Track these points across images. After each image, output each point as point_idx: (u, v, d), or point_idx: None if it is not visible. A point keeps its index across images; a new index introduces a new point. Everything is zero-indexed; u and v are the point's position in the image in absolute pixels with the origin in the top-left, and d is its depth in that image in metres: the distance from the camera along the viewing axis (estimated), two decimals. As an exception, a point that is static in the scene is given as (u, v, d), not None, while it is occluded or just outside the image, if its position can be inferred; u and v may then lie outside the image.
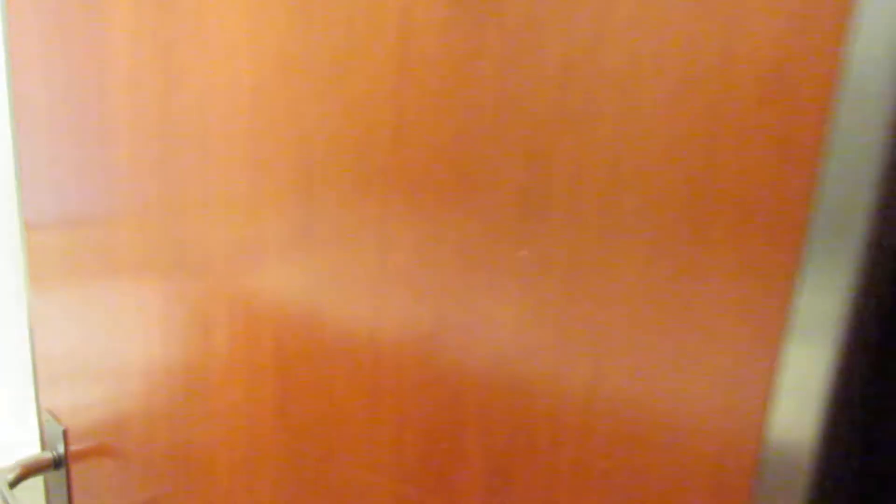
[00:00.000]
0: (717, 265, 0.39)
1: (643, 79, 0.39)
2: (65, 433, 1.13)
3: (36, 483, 1.27)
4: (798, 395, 0.37)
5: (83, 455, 1.10)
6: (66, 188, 0.93)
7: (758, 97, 0.36)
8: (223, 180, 0.65)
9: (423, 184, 0.50)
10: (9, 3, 0.98)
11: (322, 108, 0.54)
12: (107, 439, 1.00)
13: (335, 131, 0.54)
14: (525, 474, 0.48)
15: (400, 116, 0.49)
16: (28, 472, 1.04)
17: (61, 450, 1.14)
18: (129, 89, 0.74)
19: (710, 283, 0.39)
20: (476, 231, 0.48)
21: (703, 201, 0.39)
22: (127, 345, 0.87)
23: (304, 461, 0.63)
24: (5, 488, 0.97)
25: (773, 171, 0.37)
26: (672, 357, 0.41)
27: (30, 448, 1.52)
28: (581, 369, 0.44)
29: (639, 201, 0.41)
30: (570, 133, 0.42)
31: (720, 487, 0.40)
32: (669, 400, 0.41)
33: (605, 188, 0.42)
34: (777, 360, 0.37)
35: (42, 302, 1.10)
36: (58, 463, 1.14)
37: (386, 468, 0.56)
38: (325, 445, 0.61)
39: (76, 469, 1.13)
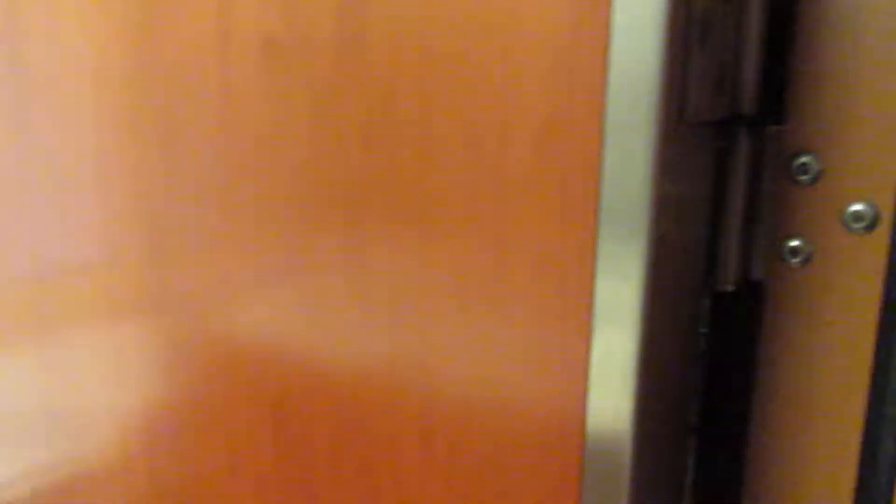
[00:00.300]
0: (523, 278, 0.40)
1: (437, 131, 0.41)
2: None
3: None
4: (610, 378, 0.39)
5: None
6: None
7: (534, 143, 0.38)
8: (74, 240, 0.64)
9: (260, 241, 0.50)
10: None
11: (162, 166, 0.54)
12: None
13: (174, 189, 0.54)
14: (375, 489, 0.49)
15: (228, 173, 0.50)
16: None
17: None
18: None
19: (519, 293, 0.41)
20: (311, 290, 0.48)
21: (504, 229, 0.40)
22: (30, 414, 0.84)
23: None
24: None
25: (557, 198, 0.38)
26: (497, 355, 0.42)
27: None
28: (415, 381, 0.45)
29: (448, 238, 0.42)
30: (379, 188, 0.43)
31: (552, 471, 0.42)
32: (500, 393, 0.43)
33: (417, 228, 0.43)
34: (588, 348, 0.39)
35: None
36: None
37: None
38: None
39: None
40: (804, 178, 0.39)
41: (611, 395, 0.39)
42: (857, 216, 0.37)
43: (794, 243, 0.39)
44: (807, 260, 0.39)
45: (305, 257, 0.48)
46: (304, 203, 0.47)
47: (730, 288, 0.43)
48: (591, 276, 0.38)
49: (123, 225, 0.59)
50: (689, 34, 0.36)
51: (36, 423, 0.74)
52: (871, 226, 0.37)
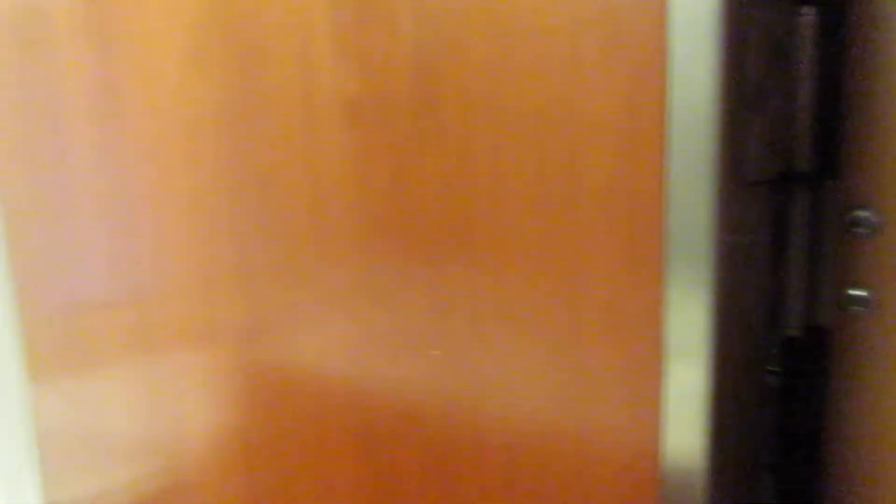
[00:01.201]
0: (597, 324, 0.44)
1: (508, 187, 0.45)
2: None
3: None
4: (683, 412, 0.42)
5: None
6: (63, 273, 0.98)
7: (601, 203, 0.42)
8: (177, 268, 0.71)
9: (348, 281, 0.55)
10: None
11: (253, 206, 0.61)
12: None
13: (263, 225, 0.60)
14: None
15: (315, 223, 0.55)
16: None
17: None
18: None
19: (594, 337, 0.44)
20: (398, 333, 0.53)
21: (577, 280, 0.44)
22: (127, 431, 0.91)
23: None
24: None
25: (626, 253, 0.42)
26: (576, 395, 0.46)
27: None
28: (498, 416, 0.49)
29: (524, 286, 0.46)
30: (458, 238, 0.48)
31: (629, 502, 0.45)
32: (580, 429, 0.46)
33: (493, 274, 0.47)
34: (660, 384, 0.42)
35: (43, 389, 1.14)
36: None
37: None
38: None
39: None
40: (861, 230, 0.40)
41: (684, 431, 0.42)
42: (916, 266, 0.39)
43: (856, 292, 0.41)
44: (869, 308, 0.41)
45: (391, 300, 0.53)
46: (389, 250, 0.52)
47: (795, 332, 0.44)
48: (661, 322, 0.41)
49: (216, 257, 0.65)
50: (743, 100, 0.39)
51: (137, 441, 0.80)
52: (930, 275, 0.38)
